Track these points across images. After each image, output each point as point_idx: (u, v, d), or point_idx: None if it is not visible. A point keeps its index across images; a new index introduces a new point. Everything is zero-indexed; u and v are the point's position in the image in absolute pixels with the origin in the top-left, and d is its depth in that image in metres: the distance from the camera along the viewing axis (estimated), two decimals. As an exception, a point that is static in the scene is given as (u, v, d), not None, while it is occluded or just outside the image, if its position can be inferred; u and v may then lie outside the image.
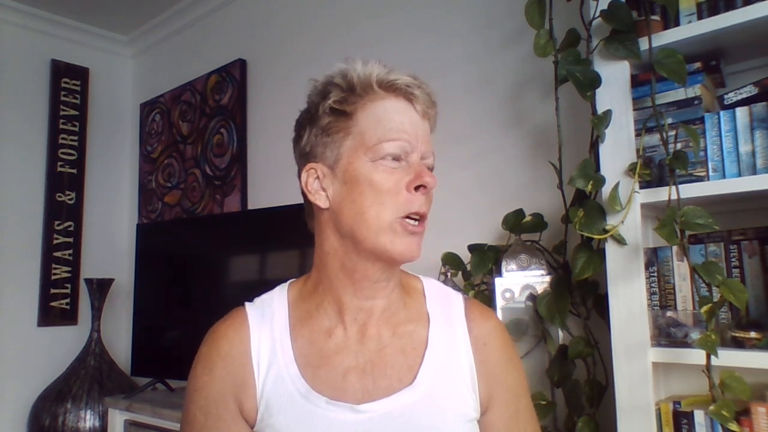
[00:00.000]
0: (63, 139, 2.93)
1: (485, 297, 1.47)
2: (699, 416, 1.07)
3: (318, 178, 0.76)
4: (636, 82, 1.20)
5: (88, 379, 2.52)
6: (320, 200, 0.76)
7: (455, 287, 1.30)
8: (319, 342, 0.77)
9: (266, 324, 0.78)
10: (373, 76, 0.75)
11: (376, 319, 0.78)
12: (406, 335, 0.78)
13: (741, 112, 1.08)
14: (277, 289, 0.85)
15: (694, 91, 1.14)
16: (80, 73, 3.02)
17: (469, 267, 1.48)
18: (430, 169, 0.77)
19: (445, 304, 0.83)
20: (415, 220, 0.73)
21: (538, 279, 1.41)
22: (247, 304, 0.83)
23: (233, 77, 2.59)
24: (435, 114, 0.80)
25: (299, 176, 0.79)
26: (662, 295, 1.18)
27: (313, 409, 0.72)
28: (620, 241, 1.16)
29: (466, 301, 0.84)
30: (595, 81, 1.22)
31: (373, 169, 0.72)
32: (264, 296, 0.84)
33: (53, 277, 2.82)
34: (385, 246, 0.72)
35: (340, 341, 0.77)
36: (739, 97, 1.12)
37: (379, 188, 0.72)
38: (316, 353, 0.76)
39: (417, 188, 0.73)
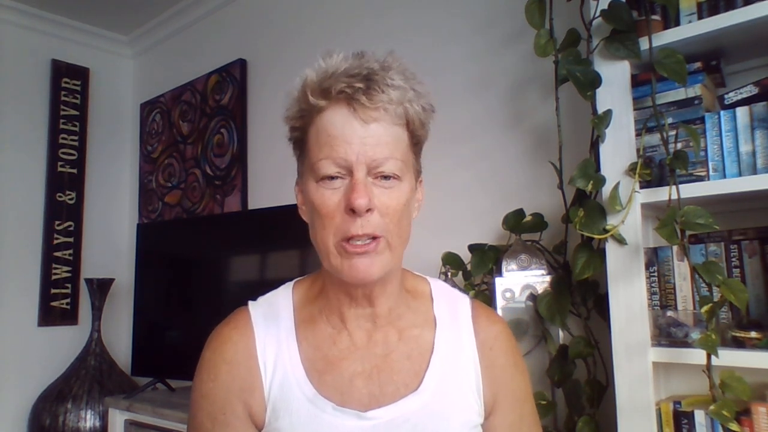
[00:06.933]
0: (63, 139, 2.93)
1: (485, 297, 1.47)
2: (699, 416, 1.07)
3: (301, 195, 0.76)
4: (636, 81, 1.20)
5: (89, 379, 2.52)
6: (305, 216, 0.76)
7: (457, 288, 1.30)
8: (324, 347, 0.76)
9: (271, 325, 0.77)
10: (308, 89, 0.69)
11: (382, 324, 0.77)
12: (412, 339, 0.78)
13: (741, 112, 1.08)
14: (282, 288, 0.83)
15: (695, 90, 1.14)
16: (80, 73, 3.02)
17: (469, 267, 1.48)
18: (387, 177, 0.68)
19: (452, 307, 0.82)
20: (363, 241, 0.67)
21: (538, 279, 1.41)
22: (250, 303, 0.81)
23: (233, 77, 2.59)
24: (397, 106, 0.68)
25: None
26: (662, 295, 1.18)
27: (320, 414, 0.71)
28: (620, 241, 1.16)
29: (473, 304, 0.84)
30: (596, 81, 1.22)
31: (316, 191, 0.69)
32: (268, 296, 0.82)
33: (53, 277, 2.82)
34: (335, 269, 0.69)
35: (345, 347, 0.76)
36: (740, 97, 1.12)
37: (319, 212, 0.69)
38: (322, 358, 0.75)
39: (353, 211, 0.66)
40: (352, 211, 0.66)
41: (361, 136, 0.67)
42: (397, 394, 0.73)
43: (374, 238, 0.68)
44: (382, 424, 0.71)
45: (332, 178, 0.68)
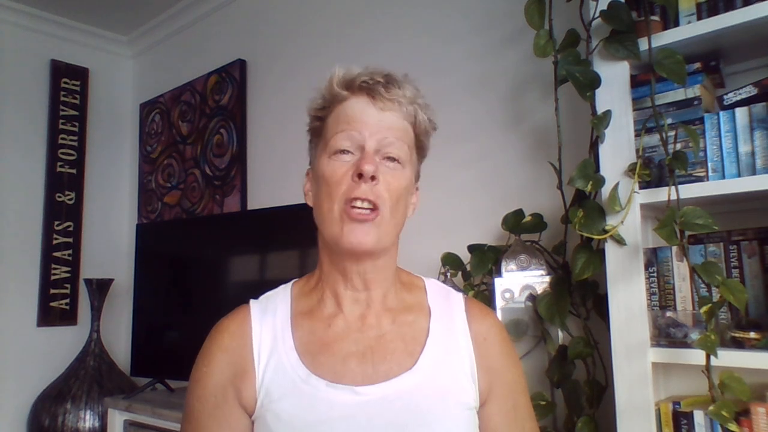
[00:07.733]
0: (63, 139, 2.93)
1: (485, 297, 1.47)
2: (699, 416, 1.07)
3: (311, 180, 0.84)
4: (636, 82, 1.20)
5: (88, 379, 2.52)
6: (309, 200, 0.83)
7: (455, 287, 1.30)
8: (319, 331, 0.79)
9: (268, 317, 0.81)
10: (334, 80, 0.78)
11: (375, 309, 0.80)
12: (407, 324, 0.80)
13: (740, 113, 1.09)
14: (281, 286, 0.88)
15: (694, 91, 1.14)
16: (80, 74, 3.02)
17: (468, 267, 1.48)
18: (392, 159, 0.76)
19: (445, 300, 0.85)
20: (365, 208, 0.74)
21: (537, 279, 1.41)
22: (251, 300, 0.85)
23: (233, 77, 2.59)
24: (408, 104, 0.78)
25: None
26: (662, 296, 1.18)
27: (314, 393, 0.74)
28: (620, 241, 1.16)
29: (465, 299, 0.87)
30: (595, 81, 1.22)
31: (327, 164, 0.77)
32: (268, 293, 0.87)
33: (53, 278, 2.82)
34: (334, 236, 0.75)
35: (340, 330, 0.79)
36: (739, 98, 1.12)
37: (328, 181, 0.75)
38: (316, 341, 0.78)
39: (360, 176, 0.73)
40: (358, 177, 0.73)
41: (376, 119, 0.76)
42: (391, 373, 0.76)
43: (374, 209, 0.74)
44: (374, 401, 0.73)
45: (344, 152, 0.75)
